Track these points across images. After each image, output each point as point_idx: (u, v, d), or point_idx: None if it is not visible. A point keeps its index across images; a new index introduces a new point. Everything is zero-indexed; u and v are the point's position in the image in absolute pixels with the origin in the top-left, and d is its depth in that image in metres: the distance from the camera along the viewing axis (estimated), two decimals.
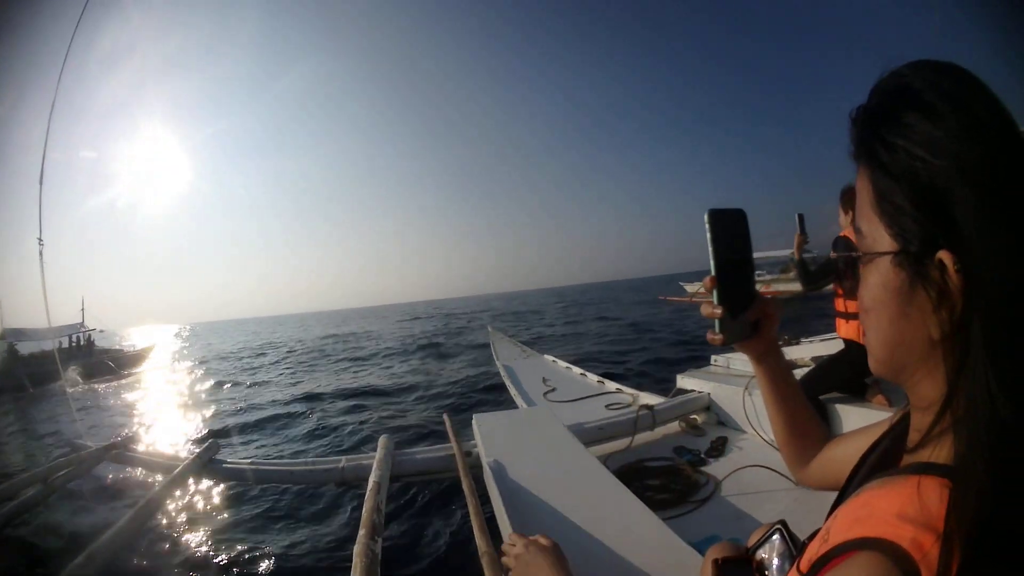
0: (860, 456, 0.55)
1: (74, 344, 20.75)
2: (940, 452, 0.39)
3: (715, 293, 0.60)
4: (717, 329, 0.61)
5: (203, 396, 10.45)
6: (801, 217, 2.46)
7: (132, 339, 48.05)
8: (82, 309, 22.51)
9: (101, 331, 23.42)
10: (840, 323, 2.44)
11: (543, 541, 0.95)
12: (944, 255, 0.36)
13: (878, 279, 0.43)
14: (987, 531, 0.31)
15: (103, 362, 18.88)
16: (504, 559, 0.99)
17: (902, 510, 0.36)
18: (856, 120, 0.45)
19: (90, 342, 21.66)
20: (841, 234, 2.20)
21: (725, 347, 0.64)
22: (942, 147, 0.36)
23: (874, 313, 0.44)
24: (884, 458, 0.50)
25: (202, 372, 15.55)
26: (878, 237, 0.42)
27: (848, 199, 2.16)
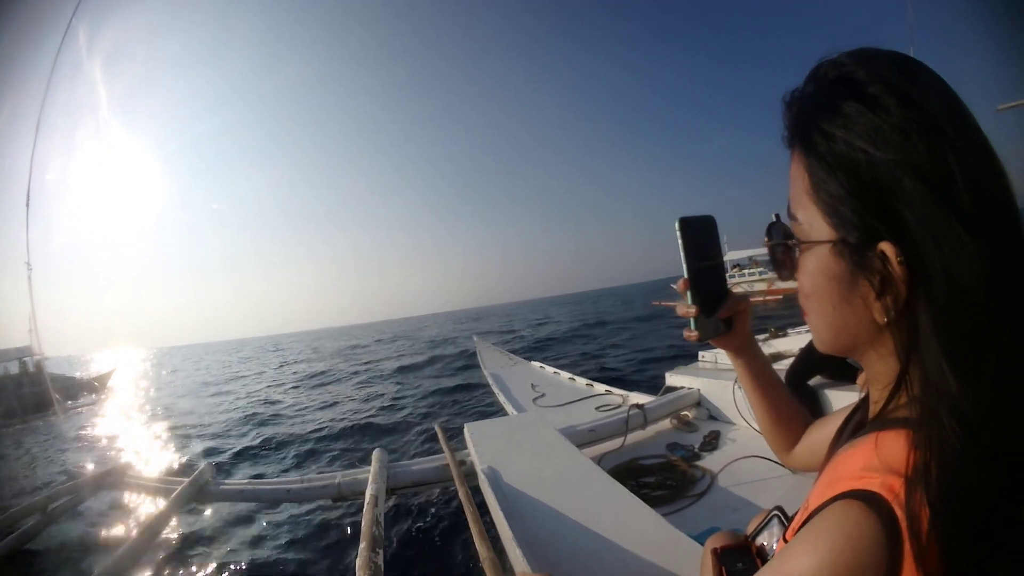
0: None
1: (21, 371, 18.29)
2: (899, 412, 0.41)
3: (688, 294, 0.64)
4: (693, 327, 0.65)
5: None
6: (778, 216, 2.54)
7: (96, 363, 45.33)
8: (30, 331, 19.27)
9: (48, 357, 20.59)
10: None
11: None
12: (886, 247, 0.37)
13: (817, 266, 0.43)
14: (953, 484, 0.32)
15: (45, 392, 16.30)
16: None
17: (867, 463, 0.38)
18: (791, 104, 0.45)
19: (40, 368, 18.75)
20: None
21: (705, 344, 0.67)
22: (886, 140, 0.36)
23: (815, 299, 0.45)
24: (856, 430, 0.51)
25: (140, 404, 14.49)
26: (816, 225, 0.42)
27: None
